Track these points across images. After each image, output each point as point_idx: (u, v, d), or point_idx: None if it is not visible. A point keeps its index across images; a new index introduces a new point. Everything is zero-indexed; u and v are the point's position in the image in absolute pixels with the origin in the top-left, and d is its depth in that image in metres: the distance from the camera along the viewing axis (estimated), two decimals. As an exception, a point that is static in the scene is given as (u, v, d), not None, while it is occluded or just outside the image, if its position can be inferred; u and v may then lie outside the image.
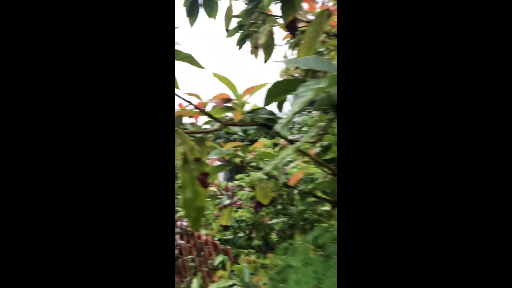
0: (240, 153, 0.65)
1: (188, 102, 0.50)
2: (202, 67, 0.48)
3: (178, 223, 2.13)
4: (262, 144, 0.94)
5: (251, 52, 1.11)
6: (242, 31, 1.20)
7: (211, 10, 1.03)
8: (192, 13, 1.03)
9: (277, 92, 0.39)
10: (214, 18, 1.13)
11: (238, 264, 1.07)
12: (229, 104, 0.55)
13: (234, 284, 0.85)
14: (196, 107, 0.50)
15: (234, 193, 1.76)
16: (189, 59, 0.46)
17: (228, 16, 1.08)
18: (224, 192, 1.80)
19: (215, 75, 0.50)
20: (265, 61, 1.10)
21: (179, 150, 0.57)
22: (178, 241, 1.93)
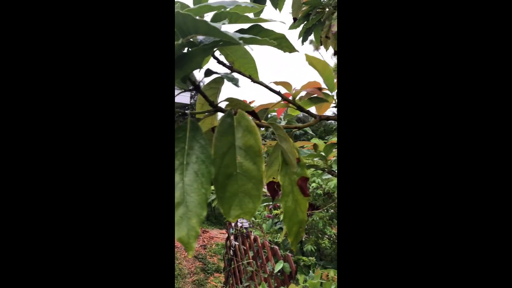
0: (323, 154, 0.57)
1: (277, 92, 0.42)
2: (295, 50, 0.40)
3: (233, 224, 2.11)
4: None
5: (321, 43, 1.00)
6: (306, 22, 1.10)
7: (279, 0, 0.95)
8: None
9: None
10: (280, 10, 1.06)
11: (299, 272, 0.98)
12: (317, 95, 0.47)
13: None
14: (284, 98, 0.42)
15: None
16: (282, 39, 0.39)
17: (297, 4, 0.99)
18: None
19: (308, 58, 0.42)
20: (335, 54, 1.00)
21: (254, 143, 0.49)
22: (233, 241, 1.91)
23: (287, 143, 0.31)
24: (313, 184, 2.94)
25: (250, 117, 0.28)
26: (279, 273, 1.34)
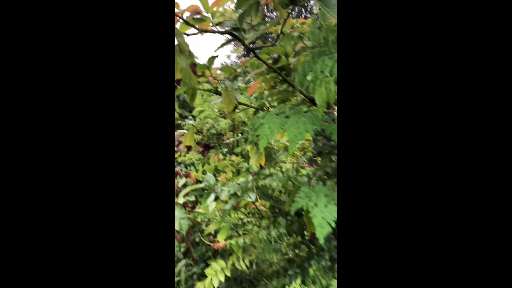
0: (206, 64, 0.77)
1: (169, 10, 0.59)
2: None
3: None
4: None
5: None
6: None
7: None
8: None
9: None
10: None
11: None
12: (199, 16, 0.66)
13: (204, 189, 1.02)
14: (176, 15, 0.60)
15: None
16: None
17: None
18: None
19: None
20: None
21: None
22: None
23: (180, 37, 0.50)
24: (207, 125, 3.19)
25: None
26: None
